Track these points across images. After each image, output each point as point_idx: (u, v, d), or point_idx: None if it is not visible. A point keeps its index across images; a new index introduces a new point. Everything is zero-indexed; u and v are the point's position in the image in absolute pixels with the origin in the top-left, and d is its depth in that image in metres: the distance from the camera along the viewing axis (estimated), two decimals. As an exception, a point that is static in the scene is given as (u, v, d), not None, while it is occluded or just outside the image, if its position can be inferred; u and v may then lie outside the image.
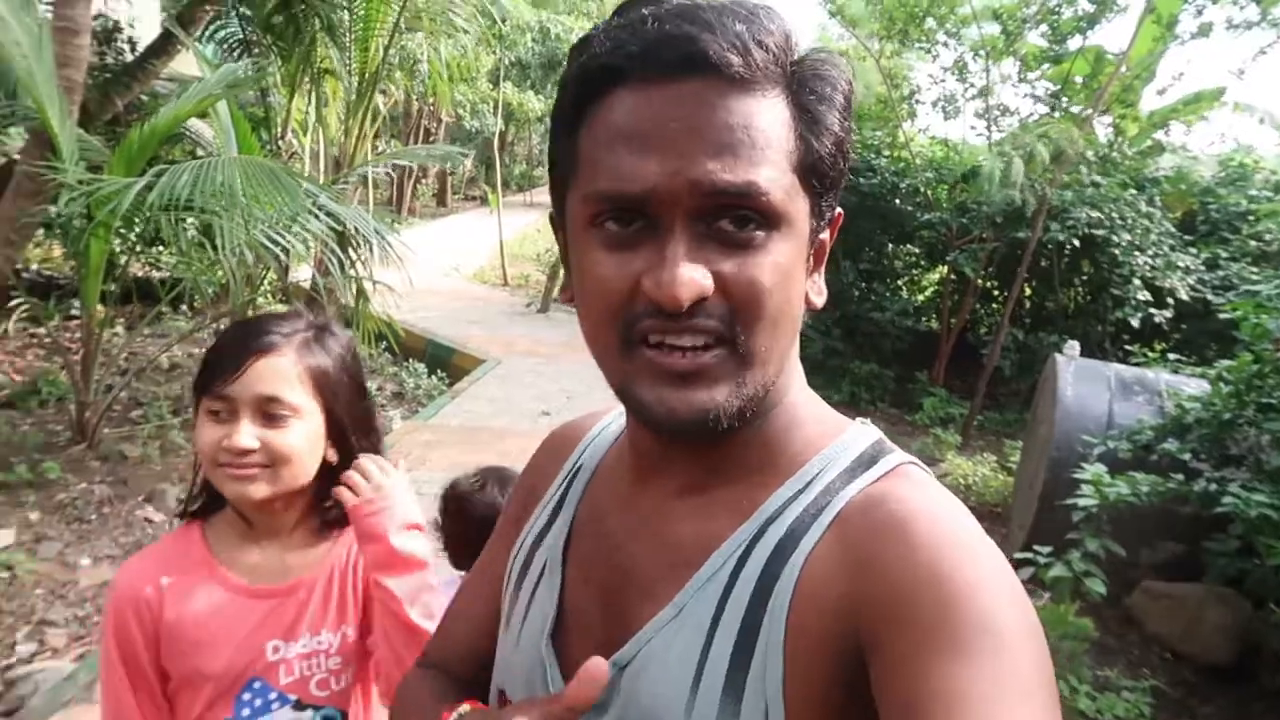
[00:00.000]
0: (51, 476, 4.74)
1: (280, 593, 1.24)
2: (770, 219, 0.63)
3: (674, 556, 0.70)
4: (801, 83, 0.65)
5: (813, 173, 0.66)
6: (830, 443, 0.71)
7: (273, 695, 1.22)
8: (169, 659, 1.20)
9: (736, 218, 0.62)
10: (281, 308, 9.34)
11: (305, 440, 1.21)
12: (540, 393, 7.54)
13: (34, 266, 9.20)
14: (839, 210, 0.72)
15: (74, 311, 6.14)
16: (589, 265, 0.66)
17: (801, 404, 0.74)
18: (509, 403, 7.22)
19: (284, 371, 1.19)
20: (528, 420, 6.76)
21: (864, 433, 0.73)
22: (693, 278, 0.61)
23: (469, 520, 1.81)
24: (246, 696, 1.20)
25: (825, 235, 0.72)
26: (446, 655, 0.92)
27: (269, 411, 1.18)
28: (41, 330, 7.19)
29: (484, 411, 7.00)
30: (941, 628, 0.56)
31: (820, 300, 0.72)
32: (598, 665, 0.61)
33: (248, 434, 1.16)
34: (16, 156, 5.45)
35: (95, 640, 3.46)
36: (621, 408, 0.77)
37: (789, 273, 0.65)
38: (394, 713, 0.90)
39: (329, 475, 1.26)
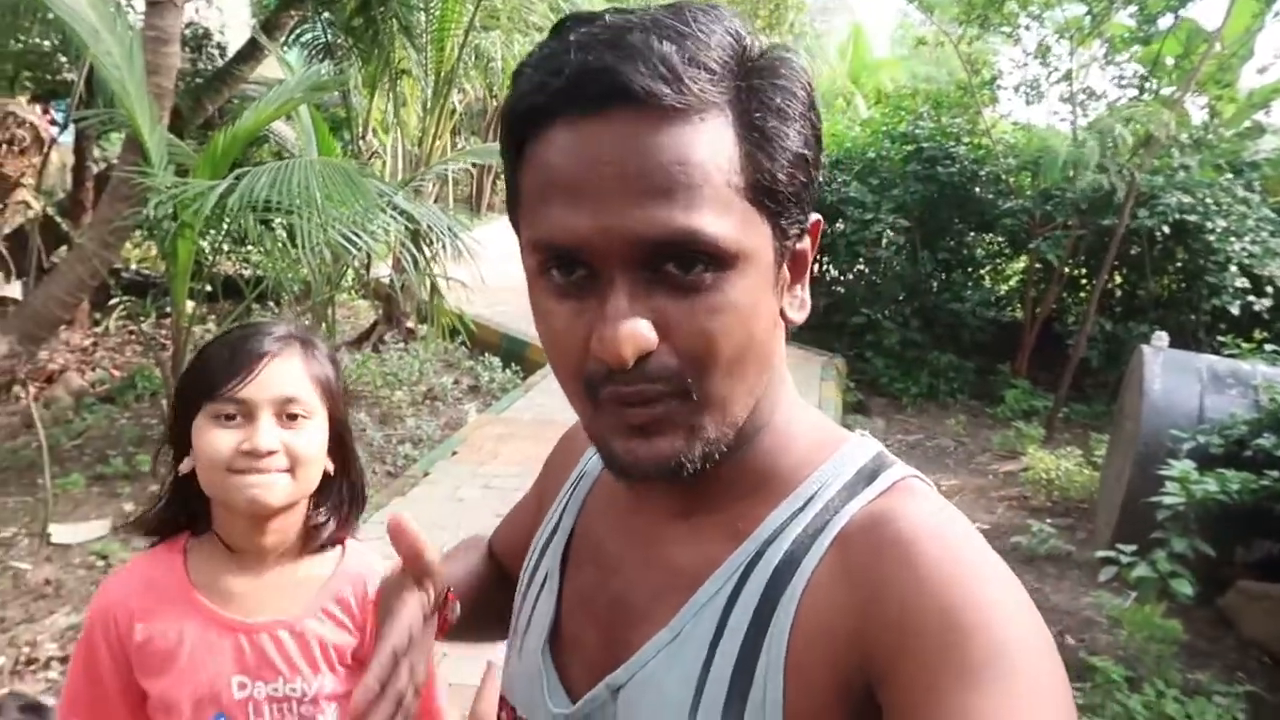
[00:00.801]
0: (145, 468, 4.97)
1: (254, 629, 1.19)
2: (720, 259, 0.59)
3: (670, 580, 0.69)
4: (751, 97, 0.61)
5: (767, 194, 0.61)
6: (827, 458, 0.68)
7: None
8: (143, 679, 1.17)
9: (681, 261, 0.58)
10: (363, 304, 9.60)
11: (319, 443, 1.19)
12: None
13: (133, 266, 9.65)
14: (815, 217, 0.67)
15: (169, 309, 6.41)
16: (544, 315, 0.64)
17: (793, 420, 0.71)
18: (582, 396, 7.26)
19: (298, 373, 1.18)
20: (600, 414, 6.79)
21: (863, 445, 0.70)
22: (632, 333, 0.57)
23: None
24: None
25: (804, 245, 0.68)
26: (497, 547, 1.00)
27: (288, 412, 1.15)
28: (138, 328, 7.54)
29: (556, 405, 7.05)
30: (952, 657, 0.54)
31: (800, 316, 0.68)
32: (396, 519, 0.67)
33: (271, 434, 1.13)
34: (114, 162, 5.71)
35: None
36: None
37: (747, 310, 0.61)
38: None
39: (323, 488, 1.23)
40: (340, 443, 1.23)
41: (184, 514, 1.22)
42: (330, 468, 1.23)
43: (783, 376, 0.71)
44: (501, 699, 0.80)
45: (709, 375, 0.60)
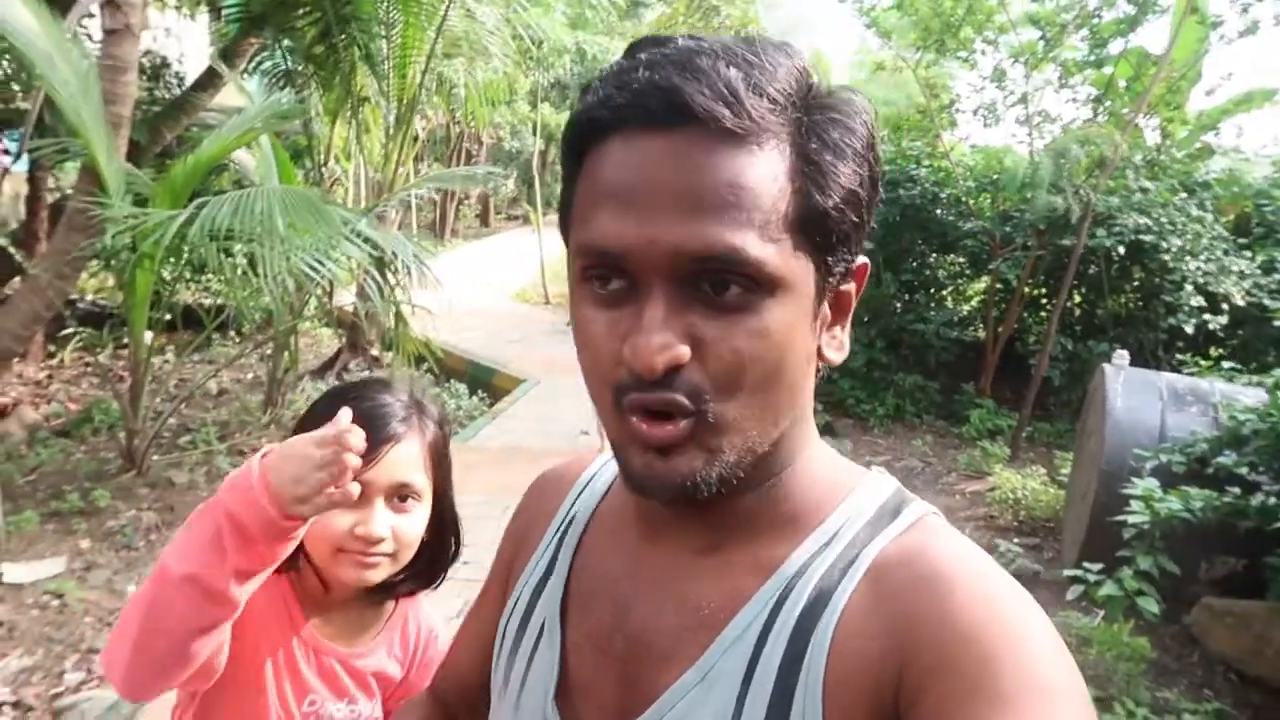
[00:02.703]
0: (102, 504, 4.84)
1: (340, 655, 1.24)
2: (758, 283, 0.60)
3: (694, 618, 0.68)
4: (811, 131, 0.62)
5: (815, 229, 0.62)
6: (848, 495, 0.70)
7: None
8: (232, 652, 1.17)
9: (717, 281, 0.60)
10: (326, 331, 9.50)
11: (423, 524, 1.22)
12: (579, 412, 7.53)
13: (89, 296, 9.47)
14: (863, 260, 0.68)
15: (126, 340, 6.30)
16: (582, 322, 0.65)
17: (815, 459, 0.72)
18: (549, 422, 7.23)
19: (415, 458, 1.20)
20: (567, 440, 6.76)
21: (882, 483, 0.71)
22: (665, 344, 0.59)
23: None
24: None
25: (848, 287, 0.68)
26: (444, 689, 0.93)
27: (400, 495, 1.18)
28: (95, 359, 7.39)
29: (524, 431, 7.02)
30: (985, 680, 0.55)
31: (839, 356, 0.69)
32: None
33: (383, 523, 1.16)
34: (69, 191, 5.61)
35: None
36: (607, 455, 0.76)
37: (782, 337, 0.61)
38: None
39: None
40: (438, 512, 1.25)
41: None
42: (425, 537, 1.24)
43: (809, 418, 0.71)
44: None
45: (733, 398, 0.61)
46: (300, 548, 1.19)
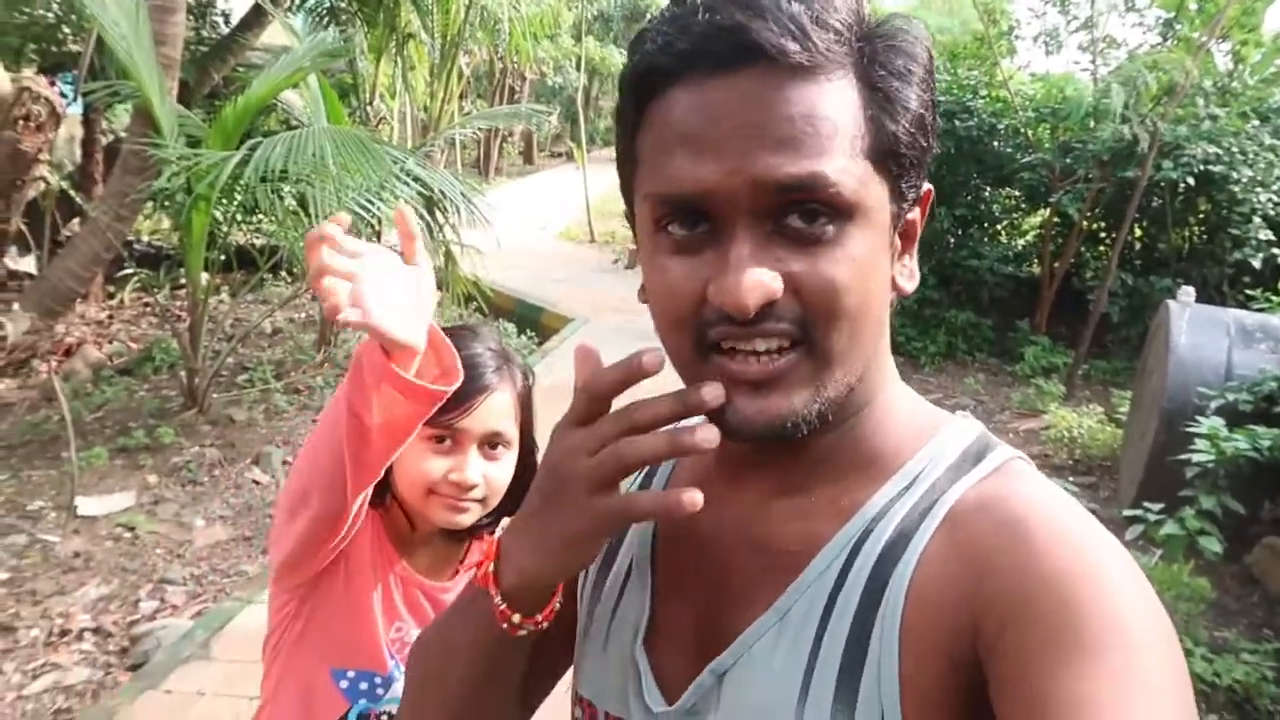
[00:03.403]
0: (166, 441, 4.99)
1: (431, 589, 1.29)
2: (842, 211, 0.59)
3: (773, 560, 0.67)
4: (873, 59, 0.61)
5: (889, 155, 0.61)
6: (930, 439, 0.68)
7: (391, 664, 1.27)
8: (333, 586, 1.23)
9: (805, 213, 0.59)
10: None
11: (511, 469, 1.26)
12: (627, 350, 7.54)
13: (145, 238, 9.64)
14: (927, 187, 0.67)
15: (182, 281, 6.41)
16: (657, 271, 0.63)
17: (896, 399, 0.70)
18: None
19: (507, 407, 1.24)
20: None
21: (966, 427, 0.69)
22: (759, 281, 0.58)
23: None
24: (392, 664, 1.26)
25: (914, 215, 0.67)
26: None
27: (491, 443, 1.22)
28: (153, 299, 7.54)
29: (572, 370, 7.06)
30: (1066, 627, 0.53)
31: (911, 285, 0.68)
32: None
33: (476, 469, 1.20)
34: (124, 134, 5.67)
35: (211, 599, 3.65)
36: None
37: (868, 265, 0.61)
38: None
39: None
40: (522, 458, 1.28)
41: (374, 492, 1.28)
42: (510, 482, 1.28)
43: (888, 353, 0.70)
44: (581, 700, 0.77)
45: (832, 327, 0.60)
46: (391, 490, 1.25)
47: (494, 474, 1.22)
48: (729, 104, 0.58)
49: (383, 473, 1.18)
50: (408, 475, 1.21)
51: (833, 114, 0.58)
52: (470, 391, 1.17)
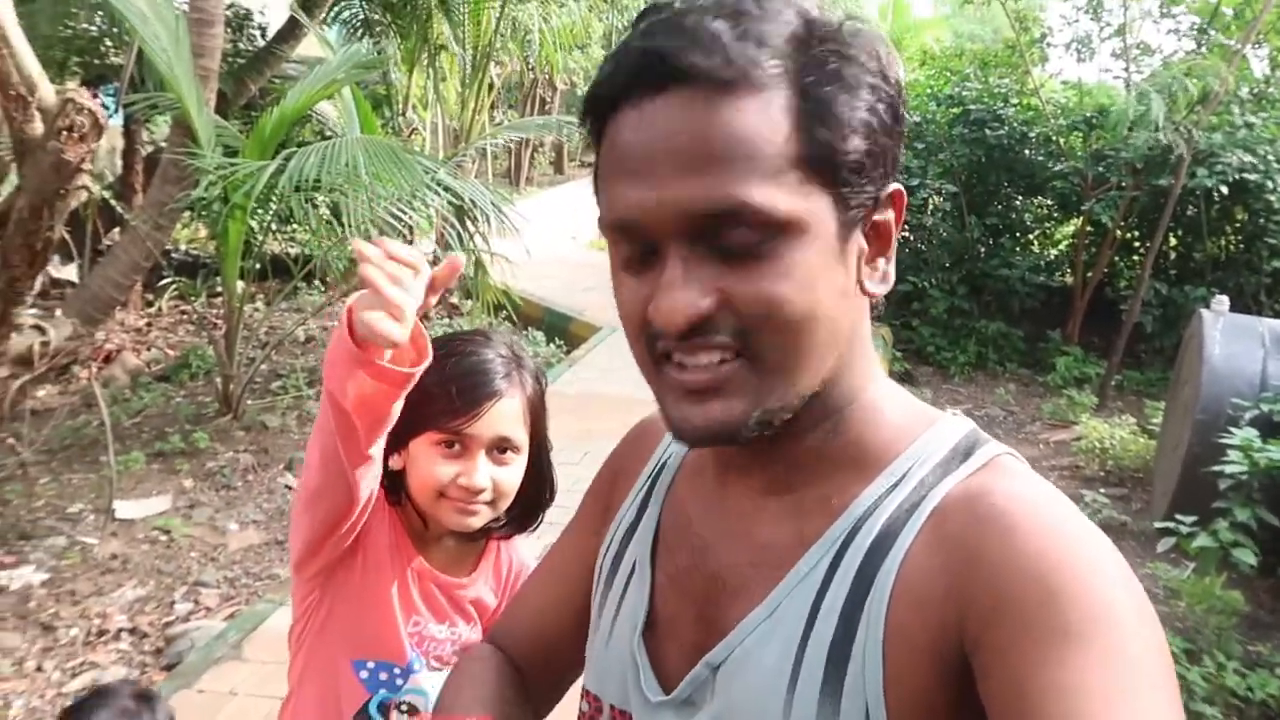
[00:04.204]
0: (202, 446, 5.08)
1: (443, 583, 1.32)
2: (773, 227, 0.60)
3: (764, 556, 0.70)
4: (811, 69, 0.61)
5: (827, 165, 0.61)
6: (919, 435, 0.69)
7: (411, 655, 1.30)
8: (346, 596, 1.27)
9: (735, 231, 0.60)
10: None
11: (520, 473, 1.28)
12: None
13: (182, 246, 9.81)
14: (895, 187, 0.67)
15: (218, 289, 6.52)
16: (615, 286, 0.68)
17: (884, 398, 0.71)
18: (624, 370, 7.21)
19: (515, 413, 1.25)
20: (642, 387, 6.76)
21: (956, 425, 0.70)
22: (685, 303, 0.60)
23: None
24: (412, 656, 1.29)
25: (885, 216, 0.67)
26: (508, 638, 0.94)
27: (500, 448, 1.24)
28: (190, 307, 7.68)
29: (600, 379, 7.08)
30: (1051, 617, 0.54)
31: (882, 288, 0.68)
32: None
33: (484, 474, 1.22)
34: (163, 144, 5.79)
35: (244, 601, 3.71)
36: None
37: (809, 276, 0.61)
38: (452, 672, 0.92)
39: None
40: (534, 462, 1.31)
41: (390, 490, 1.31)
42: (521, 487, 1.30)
43: (866, 353, 0.71)
44: (588, 694, 0.81)
45: (774, 338, 0.62)
46: (406, 490, 1.28)
47: (502, 478, 1.24)
48: (659, 129, 0.60)
49: (392, 465, 1.24)
50: (419, 478, 1.24)
51: (756, 130, 0.59)
52: (479, 398, 1.21)
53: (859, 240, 0.65)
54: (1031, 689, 0.53)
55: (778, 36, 0.61)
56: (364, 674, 1.26)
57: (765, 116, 0.59)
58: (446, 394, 1.21)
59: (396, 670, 1.27)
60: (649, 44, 0.61)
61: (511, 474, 1.26)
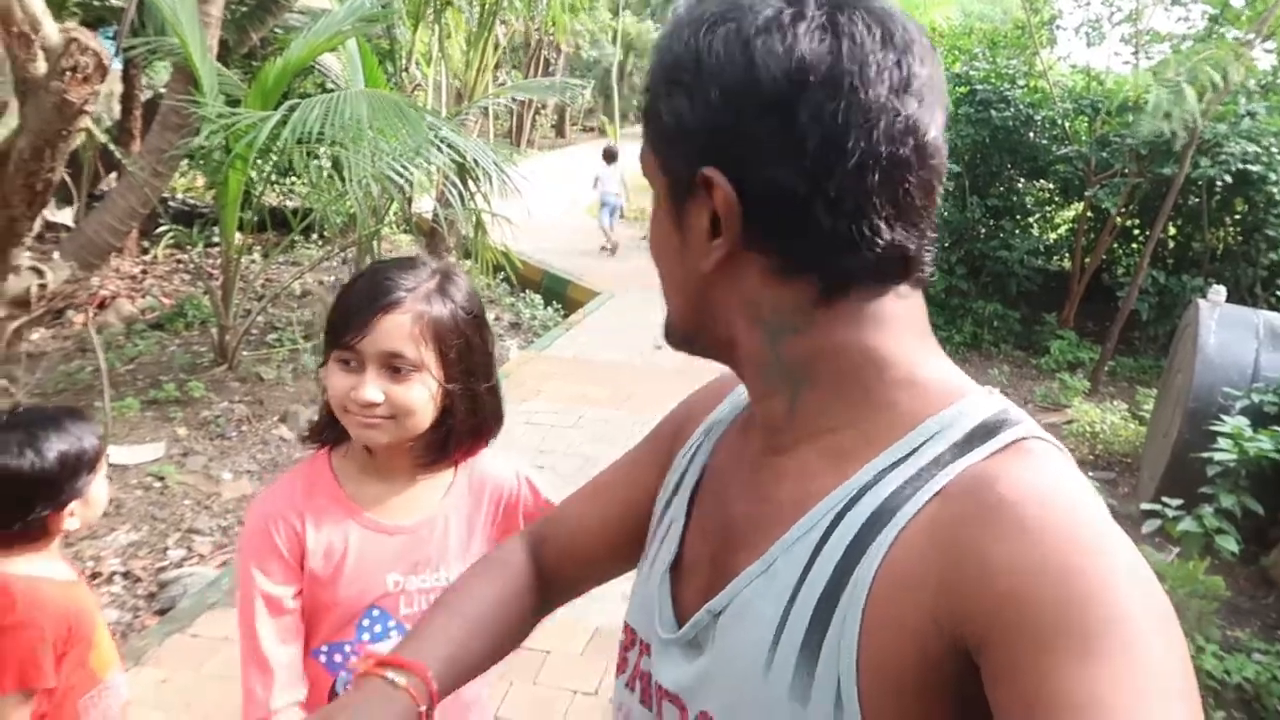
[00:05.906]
0: (196, 395, 5.08)
1: (408, 530, 1.32)
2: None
3: (770, 512, 0.70)
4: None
5: (661, 144, 0.71)
6: (945, 407, 0.65)
7: (391, 623, 1.29)
8: (310, 577, 1.28)
9: None
10: (405, 239, 9.64)
11: (426, 392, 1.26)
12: (652, 325, 7.57)
13: (179, 195, 9.73)
14: (703, 171, 0.64)
15: (215, 239, 6.49)
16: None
17: (919, 364, 0.68)
18: (622, 335, 7.28)
19: (406, 328, 1.23)
20: (639, 353, 6.81)
21: (986, 401, 0.66)
22: None
23: None
24: (366, 623, 1.29)
25: (709, 205, 0.66)
26: (539, 537, 0.99)
27: (393, 365, 1.23)
28: (186, 256, 7.63)
29: (597, 343, 7.09)
30: (1068, 627, 0.51)
31: (703, 265, 0.69)
32: None
33: (373, 388, 1.22)
34: (163, 90, 5.73)
35: (236, 548, 3.73)
36: None
37: (654, 220, 0.73)
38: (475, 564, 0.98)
39: (444, 417, 1.30)
40: (461, 378, 1.29)
41: (337, 427, 1.31)
42: (443, 405, 1.29)
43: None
44: (626, 626, 0.85)
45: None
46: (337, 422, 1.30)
47: (399, 393, 1.23)
48: None
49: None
50: (331, 396, 1.26)
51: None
52: (365, 314, 1.21)
53: (696, 214, 0.67)
54: (1047, 701, 0.50)
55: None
56: (321, 659, 1.29)
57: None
58: (347, 306, 1.24)
59: (347, 647, 1.28)
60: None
61: (410, 392, 1.23)
